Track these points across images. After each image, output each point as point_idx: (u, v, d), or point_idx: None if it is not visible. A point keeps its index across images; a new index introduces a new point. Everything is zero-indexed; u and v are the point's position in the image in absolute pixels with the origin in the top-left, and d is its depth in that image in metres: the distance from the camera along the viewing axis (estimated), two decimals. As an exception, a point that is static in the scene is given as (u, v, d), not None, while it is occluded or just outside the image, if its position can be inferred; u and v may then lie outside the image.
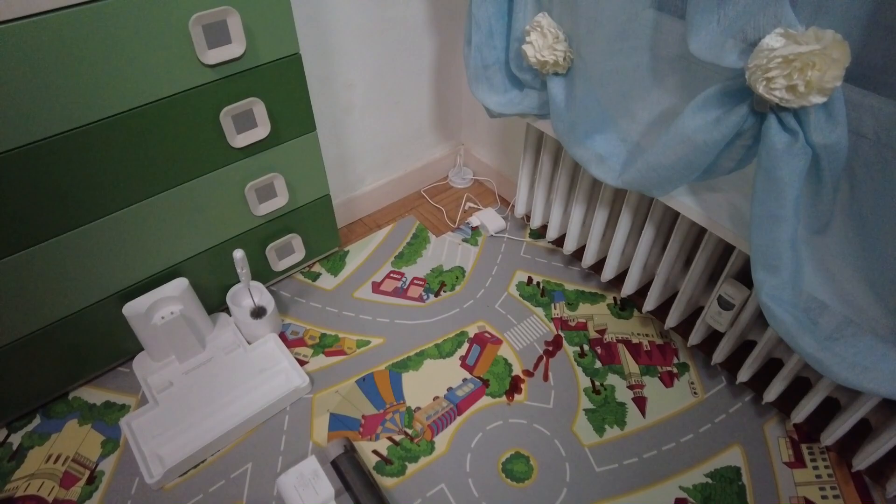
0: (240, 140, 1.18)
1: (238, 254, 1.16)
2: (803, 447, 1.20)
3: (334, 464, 1.12)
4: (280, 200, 1.33)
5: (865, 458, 1.06)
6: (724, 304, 1.10)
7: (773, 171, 0.77)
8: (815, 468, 1.17)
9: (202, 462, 1.18)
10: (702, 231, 1.22)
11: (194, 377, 1.30)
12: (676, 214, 1.23)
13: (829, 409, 1.23)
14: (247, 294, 1.38)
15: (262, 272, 1.44)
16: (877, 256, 0.79)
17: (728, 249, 1.22)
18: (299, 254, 1.46)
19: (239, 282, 1.39)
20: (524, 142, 1.37)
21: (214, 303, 1.40)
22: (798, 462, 1.18)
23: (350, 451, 1.14)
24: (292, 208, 1.38)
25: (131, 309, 1.21)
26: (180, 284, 1.26)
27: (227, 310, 1.44)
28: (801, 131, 0.74)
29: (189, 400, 1.26)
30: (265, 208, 1.32)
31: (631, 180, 0.99)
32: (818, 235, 0.85)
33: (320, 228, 1.48)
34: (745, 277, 1.13)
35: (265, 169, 1.27)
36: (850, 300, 0.84)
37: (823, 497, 1.13)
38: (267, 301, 1.37)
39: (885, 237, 0.76)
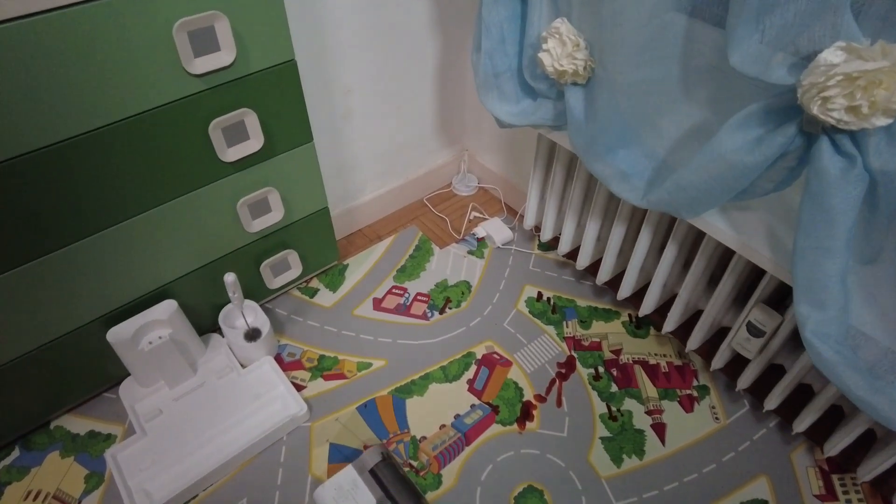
0: (231, 154, 1.10)
1: (230, 278, 1.08)
2: (834, 479, 1.13)
3: (373, 473, 1.06)
4: (275, 216, 1.25)
5: (905, 496, 0.99)
6: (754, 331, 1.02)
7: (825, 200, 0.69)
8: (849, 501, 1.10)
9: (193, 498, 1.11)
10: (730, 250, 1.14)
11: (185, 404, 1.22)
12: (702, 233, 1.15)
13: (863, 439, 1.16)
14: (240, 314, 1.30)
15: (256, 290, 1.35)
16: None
17: (758, 270, 1.14)
18: (296, 270, 1.38)
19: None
20: (535, 152, 1.29)
21: (206, 323, 1.32)
22: (829, 495, 1.11)
23: (388, 458, 1.08)
24: (288, 223, 1.30)
25: (116, 335, 1.12)
26: (169, 307, 1.18)
27: (219, 330, 1.35)
28: (859, 155, 0.66)
29: (179, 429, 1.18)
30: (259, 224, 1.23)
31: (657, 200, 0.91)
32: (868, 266, 0.77)
33: (318, 242, 1.40)
34: (776, 302, 1.06)
35: (258, 183, 1.18)
36: (902, 337, 0.77)
37: (857, 533, 1.06)
38: (262, 322, 1.29)
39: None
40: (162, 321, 1.17)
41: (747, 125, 0.75)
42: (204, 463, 1.13)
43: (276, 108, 1.10)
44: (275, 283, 1.36)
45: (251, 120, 1.08)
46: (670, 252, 1.11)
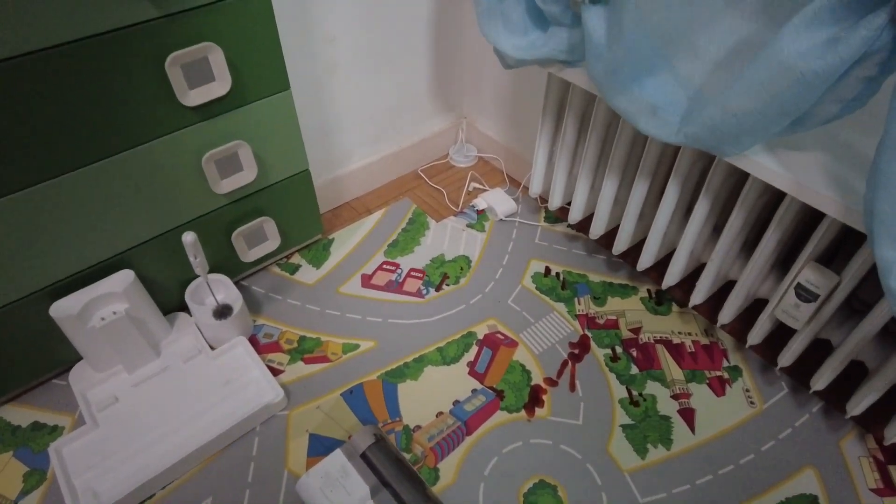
0: (193, 97, 0.94)
1: (188, 237, 0.92)
2: (892, 469, 0.98)
3: (365, 457, 0.91)
4: (247, 175, 1.09)
5: None
6: (805, 296, 0.87)
7: (923, 104, 0.55)
8: (909, 496, 0.95)
9: (149, 498, 0.95)
10: (772, 205, 0.99)
11: (145, 391, 1.07)
12: (738, 186, 1.00)
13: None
14: (209, 291, 1.14)
15: (229, 264, 1.20)
16: None
17: (804, 229, 0.99)
18: (273, 241, 1.23)
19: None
20: (544, 100, 1.14)
21: (172, 301, 1.16)
22: (888, 488, 0.96)
23: (382, 440, 0.93)
24: (263, 186, 1.14)
25: (60, 309, 0.97)
26: (125, 278, 1.02)
27: (188, 309, 1.20)
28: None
29: (137, 419, 1.03)
30: (229, 185, 1.08)
31: (696, 134, 0.76)
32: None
33: (299, 211, 1.24)
34: (826, 261, 0.91)
35: (227, 135, 1.03)
36: None
37: (922, 533, 0.91)
38: (233, 298, 1.13)
39: None
40: (116, 294, 1.02)
41: (818, 22, 0.60)
42: (163, 458, 0.98)
43: (244, 45, 0.95)
44: (250, 255, 1.20)
45: (216, 57, 0.93)
46: (701, 209, 0.96)
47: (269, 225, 1.20)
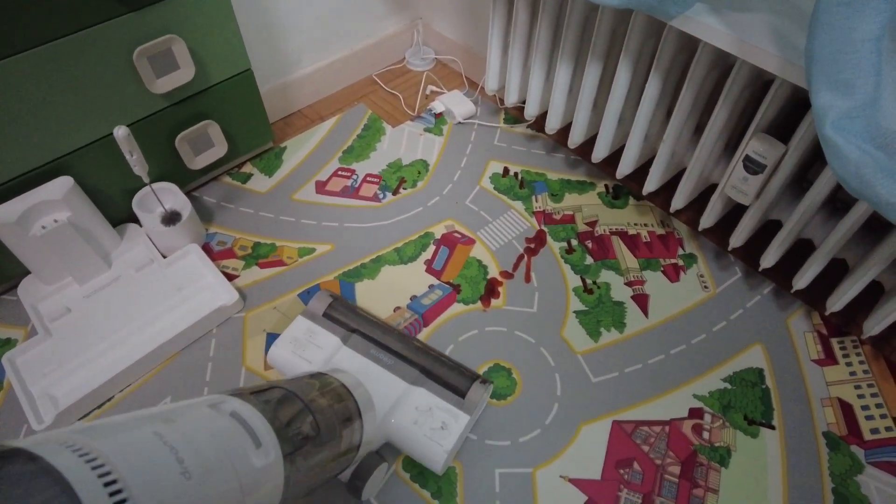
0: (113, -18, 0.88)
1: (120, 131, 0.88)
2: (833, 342, 1.01)
3: (327, 315, 0.95)
4: (184, 73, 1.04)
5: (919, 347, 0.87)
6: (752, 167, 0.87)
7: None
8: (849, 364, 0.99)
9: (108, 401, 0.95)
10: (721, 81, 0.97)
11: (97, 301, 1.05)
12: (687, 62, 0.98)
13: (865, 297, 1.04)
14: (154, 195, 1.11)
15: (177, 172, 1.16)
16: None
17: (754, 105, 0.98)
18: (220, 147, 1.19)
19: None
20: (492, -14, 1.08)
21: (121, 212, 1.13)
22: (829, 359, 0.99)
23: (337, 299, 0.97)
24: (204, 87, 1.09)
25: (-5, 216, 0.93)
26: (63, 184, 0.98)
27: (139, 221, 1.17)
28: None
29: (91, 328, 1.02)
30: (166, 84, 1.03)
31: (637, -7, 0.73)
32: (904, 38, 0.61)
33: (245, 116, 1.20)
34: (777, 132, 0.90)
35: (157, 29, 0.97)
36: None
37: (860, 396, 0.95)
38: (182, 204, 1.10)
39: None
40: (56, 202, 0.98)
41: None
42: (119, 362, 0.98)
43: (164, -79, 0.88)
44: (196, 162, 1.17)
45: (134, -64, 0.87)
46: (652, 88, 0.94)
47: (213, 129, 1.15)
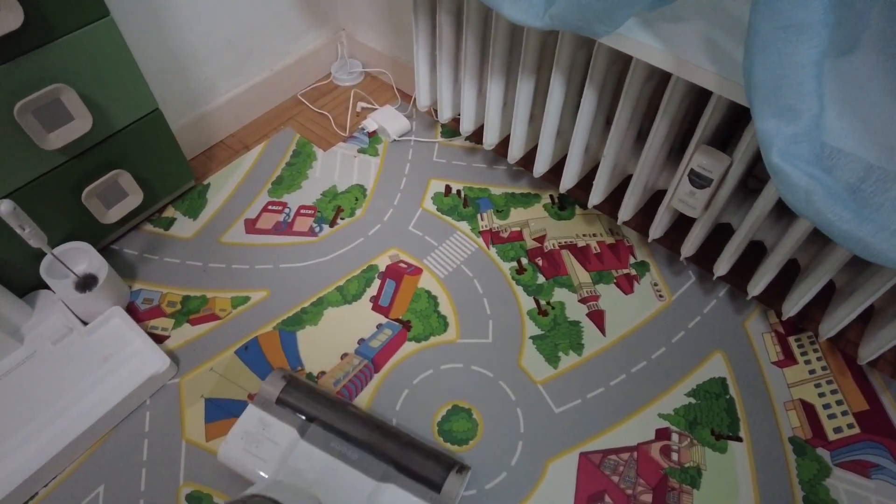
0: (-23, 34, 0.77)
1: (3, 208, 0.78)
2: (791, 340, 1.00)
3: (281, 401, 0.85)
4: (80, 124, 0.94)
5: (874, 348, 0.86)
6: (698, 181, 0.83)
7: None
8: (808, 362, 0.98)
9: (33, 497, 0.86)
10: (660, 88, 0.93)
11: (11, 383, 0.95)
12: (623, 70, 0.94)
13: (817, 295, 1.03)
14: (61, 263, 1.00)
15: (88, 228, 1.06)
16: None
17: (696, 113, 0.95)
18: (135, 196, 1.08)
19: (56, 246, 1.01)
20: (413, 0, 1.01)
21: (29, 279, 1.02)
22: (788, 359, 0.98)
23: (294, 380, 0.88)
24: (107, 135, 0.99)
25: None
26: (-48, 262, 0.88)
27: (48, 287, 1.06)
28: None
29: (6, 416, 0.91)
30: (60, 138, 0.92)
31: (562, 14, 0.67)
32: (844, 57, 0.57)
33: (158, 159, 1.10)
34: (720, 143, 0.87)
35: (40, 79, 0.86)
36: (887, 143, 0.59)
37: (821, 395, 0.94)
38: (97, 266, 1.00)
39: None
40: (-55, 282, 0.87)
41: None
42: (42, 452, 0.88)
43: (30, -39, 0.78)
44: (110, 215, 1.06)
45: (-5, -19, 0.76)
46: (589, 101, 0.89)
47: (124, 178, 1.05)
